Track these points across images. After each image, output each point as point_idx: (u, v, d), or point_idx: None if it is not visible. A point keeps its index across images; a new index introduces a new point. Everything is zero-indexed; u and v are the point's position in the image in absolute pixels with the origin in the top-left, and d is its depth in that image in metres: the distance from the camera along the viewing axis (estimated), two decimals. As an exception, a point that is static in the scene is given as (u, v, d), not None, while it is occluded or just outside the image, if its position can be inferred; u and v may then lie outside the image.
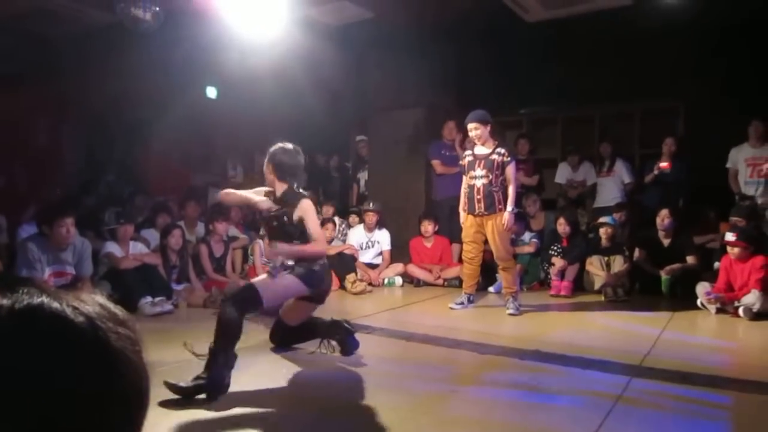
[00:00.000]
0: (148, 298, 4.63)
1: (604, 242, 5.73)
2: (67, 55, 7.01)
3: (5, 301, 0.55)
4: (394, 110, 7.16)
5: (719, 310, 4.62)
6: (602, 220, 5.89)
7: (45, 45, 6.74)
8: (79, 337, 0.55)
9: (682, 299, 5.02)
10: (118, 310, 0.61)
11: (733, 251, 4.66)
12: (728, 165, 5.91)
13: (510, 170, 4.65)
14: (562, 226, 5.85)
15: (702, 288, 4.78)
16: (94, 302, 0.59)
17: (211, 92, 8.87)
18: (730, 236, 4.68)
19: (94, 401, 0.54)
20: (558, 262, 5.69)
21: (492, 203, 4.64)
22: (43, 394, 0.51)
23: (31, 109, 7.91)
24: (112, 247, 4.94)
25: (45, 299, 0.56)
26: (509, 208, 4.61)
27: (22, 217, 6.23)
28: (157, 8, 5.28)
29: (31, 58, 7.10)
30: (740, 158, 5.84)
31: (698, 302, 4.79)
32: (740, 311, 4.45)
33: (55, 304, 0.55)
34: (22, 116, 7.87)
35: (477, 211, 4.70)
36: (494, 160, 4.66)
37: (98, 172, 8.58)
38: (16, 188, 7.79)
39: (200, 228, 6.34)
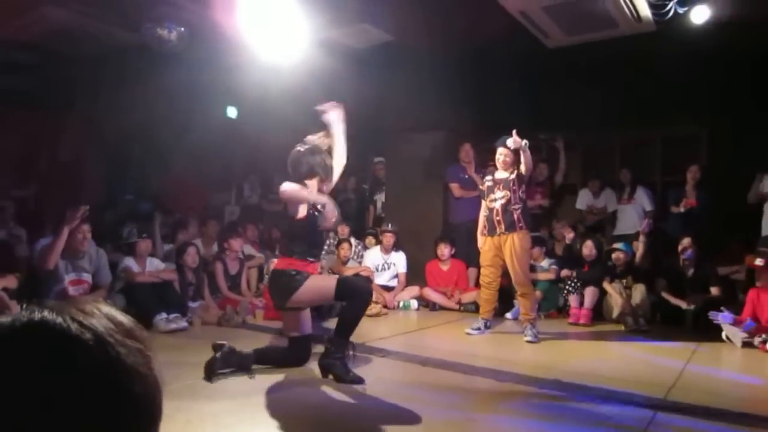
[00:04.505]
0: (163, 315, 4.62)
1: (618, 267, 5.64)
2: (90, 75, 7.16)
3: (4, 320, 0.52)
4: (413, 133, 7.17)
5: (745, 344, 4.47)
6: (616, 245, 5.80)
7: (70, 64, 6.89)
8: (86, 356, 0.51)
9: (705, 331, 4.87)
10: (125, 319, 0.57)
11: (760, 277, 4.55)
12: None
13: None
14: (589, 249, 5.77)
15: (724, 319, 4.63)
16: (100, 314, 0.55)
17: (232, 112, 8.98)
18: (759, 262, 4.59)
19: (104, 422, 0.50)
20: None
21: (512, 222, 4.62)
22: (48, 418, 0.47)
23: (54, 127, 8.07)
24: (129, 262, 4.96)
25: (47, 315, 0.52)
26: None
27: (42, 232, 6.29)
28: (182, 29, 5.38)
29: (56, 77, 7.26)
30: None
31: (723, 335, 4.65)
32: (768, 346, 4.31)
33: (59, 320, 0.52)
34: (45, 133, 8.04)
35: (497, 231, 4.67)
36: (511, 180, 4.66)
37: (118, 190, 8.69)
38: (38, 203, 7.91)
39: (215, 246, 6.35)
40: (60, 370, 0.49)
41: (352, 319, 3.34)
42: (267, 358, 3.46)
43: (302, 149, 3.39)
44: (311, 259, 3.38)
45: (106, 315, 0.56)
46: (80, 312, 0.54)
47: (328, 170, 3.43)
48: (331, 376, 3.29)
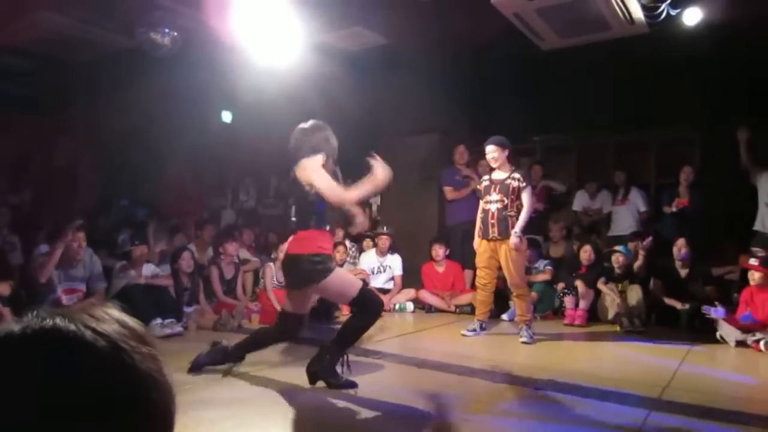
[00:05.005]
0: (159, 320, 4.61)
1: (616, 270, 5.65)
2: (84, 80, 7.14)
3: (15, 327, 0.50)
4: (408, 135, 7.18)
5: (739, 344, 4.50)
6: (617, 248, 5.82)
7: (64, 69, 6.87)
8: (102, 364, 0.49)
9: (700, 331, 4.90)
10: (136, 324, 0.56)
11: (754, 277, 4.58)
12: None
13: (525, 196, 4.62)
14: (587, 253, 5.78)
15: (716, 313, 4.65)
16: (111, 320, 0.54)
17: (226, 116, 8.96)
18: (753, 261, 4.63)
19: (121, 430, 0.49)
20: (580, 286, 5.55)
21: (506, 228, 4.61)
22: (63, 428, 0.46)
23: (49, 132, 8.04)
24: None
25: (59, 322, 0.50)
26: (516, 229, 4.56)
27: (37, 238, 6.26)
28: (176, 33, 5.38)
29: (50, 82, 7.24)
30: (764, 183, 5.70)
31: (717, 335, 4.67)
32: (761, 345, 4.33)
33: (72, 327, 0.50)
34: (39, 138, 8.00)
35: (491, 235, 4.67)
36: (509, 185, 4.65)
37: (112, 195, 8.66)
38: (32, 208, 7.88)
39: (210, 251, 6.34)
40: (76, 379, 0.47)
41: (359, 330, 3.24)
42: (256, 345, 3.42)
43: (305, 127, 3.23)
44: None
45: (117, 320, 0.54)
46: (92, 318, 0.52)
47: (333, 148, 3.27)
48: (321, 383, 3.21)
